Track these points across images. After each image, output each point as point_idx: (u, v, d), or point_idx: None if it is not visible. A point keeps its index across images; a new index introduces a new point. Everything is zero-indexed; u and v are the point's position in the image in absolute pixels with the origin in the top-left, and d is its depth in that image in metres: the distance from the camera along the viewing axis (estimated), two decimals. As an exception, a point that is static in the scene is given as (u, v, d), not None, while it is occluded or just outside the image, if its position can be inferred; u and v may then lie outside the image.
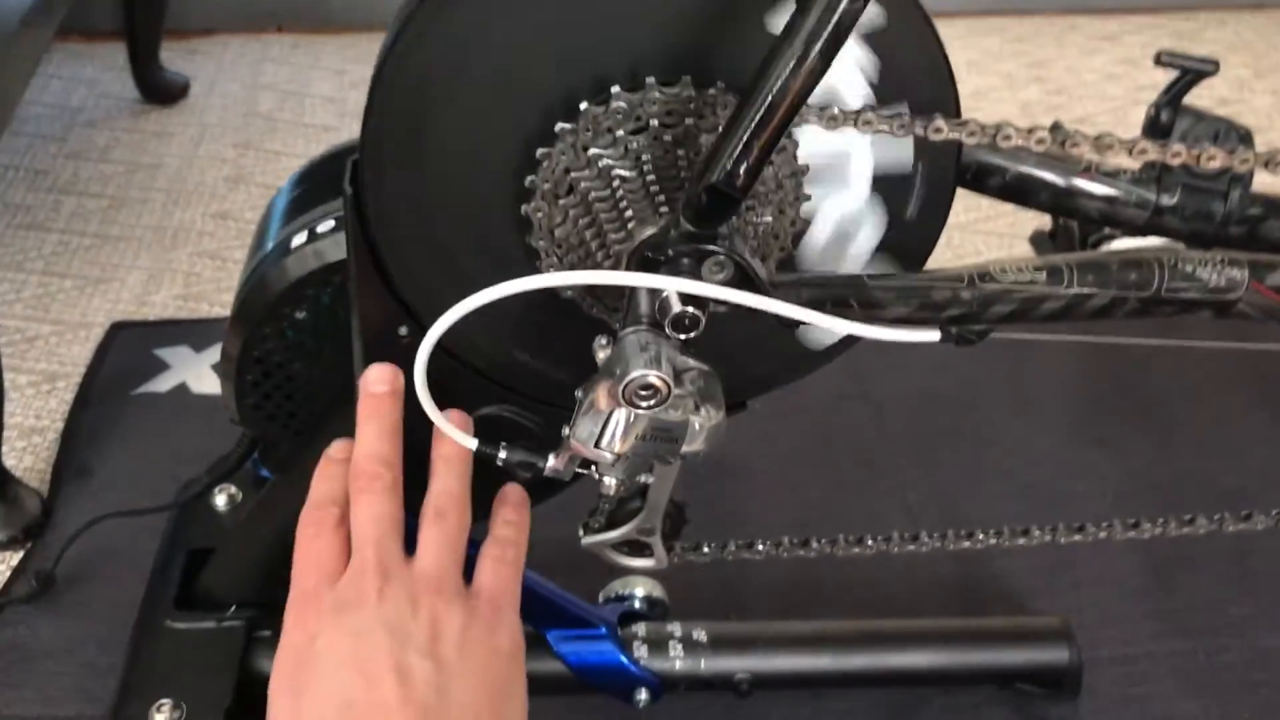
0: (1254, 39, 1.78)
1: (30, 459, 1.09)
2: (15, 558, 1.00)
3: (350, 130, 1.57)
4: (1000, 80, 1.68)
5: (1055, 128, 0.72)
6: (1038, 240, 0.90)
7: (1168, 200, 0.68)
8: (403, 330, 0.66)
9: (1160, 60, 0.65)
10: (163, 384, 1.15)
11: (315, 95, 1.65)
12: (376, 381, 0.62)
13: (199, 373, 1.16)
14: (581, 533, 0.73)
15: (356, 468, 0.60)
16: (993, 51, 1.73)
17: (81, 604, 0.94)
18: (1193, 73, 0.65)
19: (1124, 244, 0.74)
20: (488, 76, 0.56)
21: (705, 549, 0.77)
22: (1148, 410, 1.18)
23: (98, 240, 1.38)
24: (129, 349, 1.20)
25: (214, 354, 1.18)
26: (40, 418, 1.14)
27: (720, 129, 0.55)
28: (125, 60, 1.62)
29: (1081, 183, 0.69)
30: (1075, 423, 1.18)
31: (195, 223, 1.40)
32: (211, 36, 1.78)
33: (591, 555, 0.75)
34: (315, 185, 0.77)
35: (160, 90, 1.62)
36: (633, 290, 0.55)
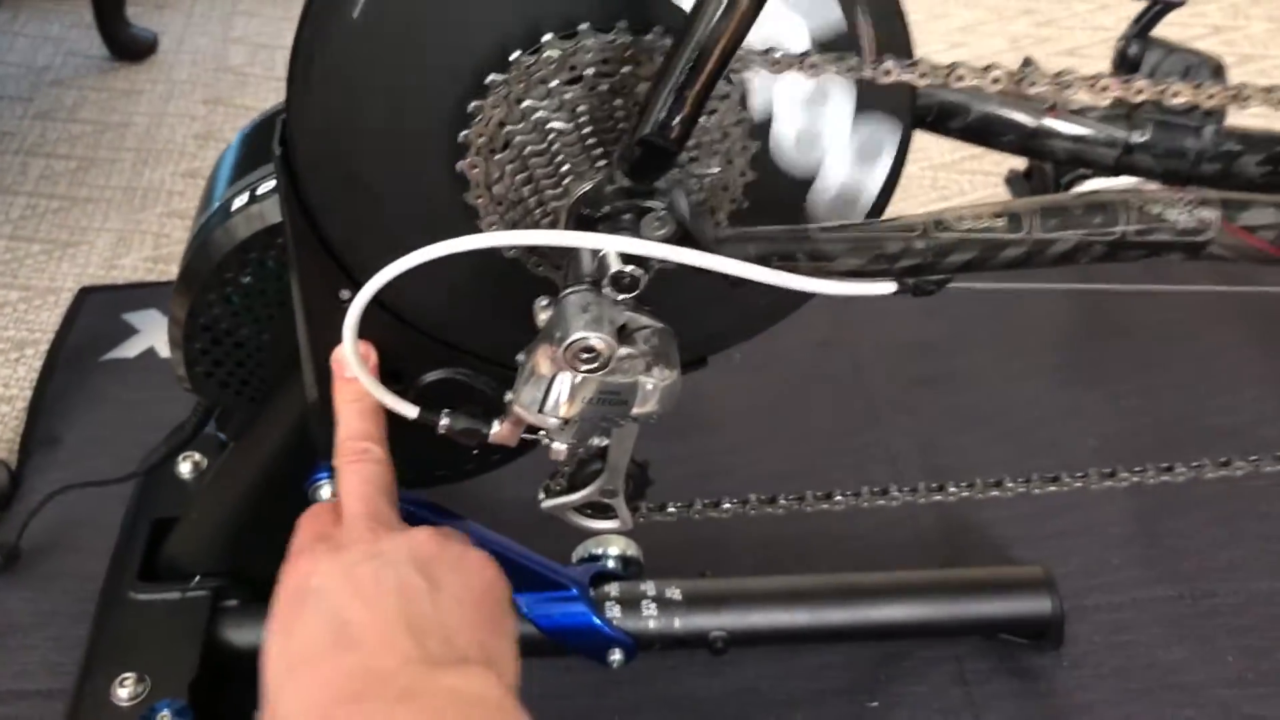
0: (1251, -37, 1.73)
1: (-1, 429, 1.08)
2: (-16, 531, 0.99)
3: (322, 83, 1.54)
4: (988, 13, 1.64)
5: (1026, 64, 0.69)
6: (1013, 181, 0.87)
7: (1139, 138, 0.65)
8: (344, 294, 0.64)
9: (1125, -11, 0.62)
10: (131, 349, 1.13)
11: (287, 47, 1.61)
12: (344, 364, 0.61)
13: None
14: (542, 496, 0.72)
15: (341, 448, 0.61)
16: (981, -17, 1.69)
17: (49, 576, 0.93)
18: (1161, 3, 0.62)
19: (1096, 184, 0.71)
20: (416, 25, 0.53)
21: (670, 509, 0.75)
22: (1135, 350, 1.16)
23: (66, 203, 1.35)
24: (97, 314, 1.18)
25: (183, 317, 1.16)
26: (8, 386, 1.12)
27: (657, 74, 0.52)
28: (92, 17, 1.58)
29: (1049, 122, 0.66)
30: (1061, 365, 1.15)
31: (165, 182, 1.38)
32: (180, -10, 1.74)
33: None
34: (259, 144, 0.74)
35: (128, 47, 1.59)
36: (573, 249, 0.53)
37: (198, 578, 0.82)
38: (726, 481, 0.93)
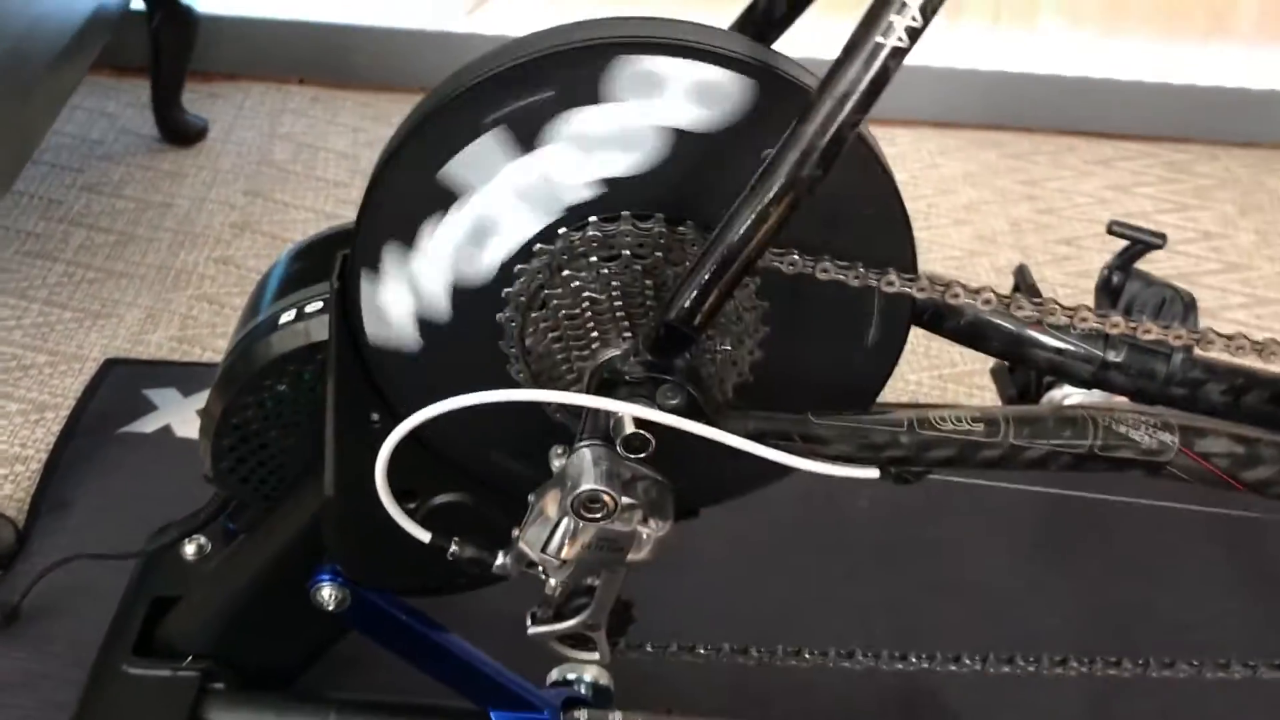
0: (1244, 175, 1.83)
1: (10, 487, 1.12)
2: (-15, 585, 1.02)
3: (360, 188, 1.61)
4: (993, 194, 1.73)
5: (1020, 272, 0.76)
6: (998, 372, 0.93)
7: (1114, 357, 0.72)
8: (374, 416, 0.69)
9: (1111, 230, 0.69)
10: (148, 425, 1.18)
11: (330, 150, 1.70)
12: None
13: (185, 417, 1.19)
14: (529, 622, 0.76)
15: None
16: (989, 165, 1.78)
17: (44, 639, 0.96)
18: (1142, 244, 0.69)
19: (1069, 392, 0.77)
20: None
21: (648, 648, 0.79)
22: (1108, 532, 1.21)
23: (102, 274, 1.42)
24: (120, 386, 1.23)
25: (202, 399, 1.20)
26: (25, 446, 1.17)
27: (687, 265, 0.58)
28: (148, 98, 1.67)
29: (1033, 334, 0.72)
30: (1034, 538, 1.20)
31: (198, 266, 1.44)
32: (234, 81, 1.83)
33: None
34: (309, 264, 0.81)
35: (179, 131, 1.67)
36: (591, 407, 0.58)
37: (190, 658, 0.86)
38: (699, 621, 0.97)
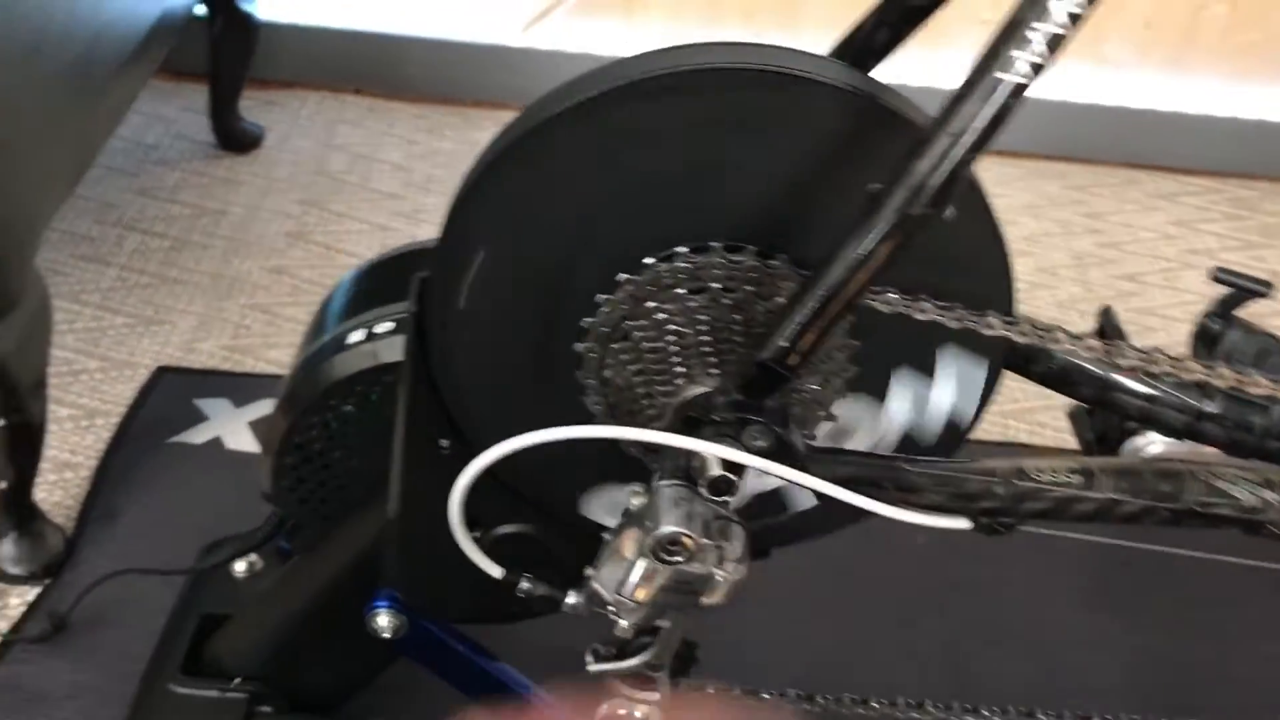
0: (1313, 214, 1.79)
1: (60, 494, 1.11)
2: (32, 593, 1.01)
3: (414, 200, 1.61)
4: (1056, 226, 1.70)
5: (1106, 315, 0.73)
6: (1077, 415, 0.90)
7: (1210, 408, 0.69)
8: (444, 442, 0.67)
9: (1217, 278, 0.66)
10: (199, 435, 1.17)
11: (384, 161, 1.69)
12: None
13: (235, 429, 1.18)
14: (590, 659, 0.74)
15: None
16: (1052, 197, 1.75)
17: (90, 651, 0.95)
18: (1247, 291, 0.66)
19: (1153, 439, 0.74)
20: (564, 222, 0.58)
21: (709, 690, 0.77)
22: (1170, 582, 1.17)
23: (155, 280, 1.41)
24: (170, 395, 1.22)
25: (253, 411, 1.20)
26: (75, 453, 1.16)
27: (779, 300, 0.56)
28: (206, 104, 1.66)
29: (1125, 380, 0.69)
30: (1094, 585, 1.17)
31: (251, 275, 1.43)
32: (291, 90, 1.83)
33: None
34: (377, 285, 0.79)
35: (235, 138, 1.66)
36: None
37: (238, 680, 0.84)
38: (755, 660, 0.94)
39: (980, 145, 0.49)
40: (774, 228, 0.58)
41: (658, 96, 0.55)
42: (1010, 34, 0.48)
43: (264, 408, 1.20)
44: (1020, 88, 0.48)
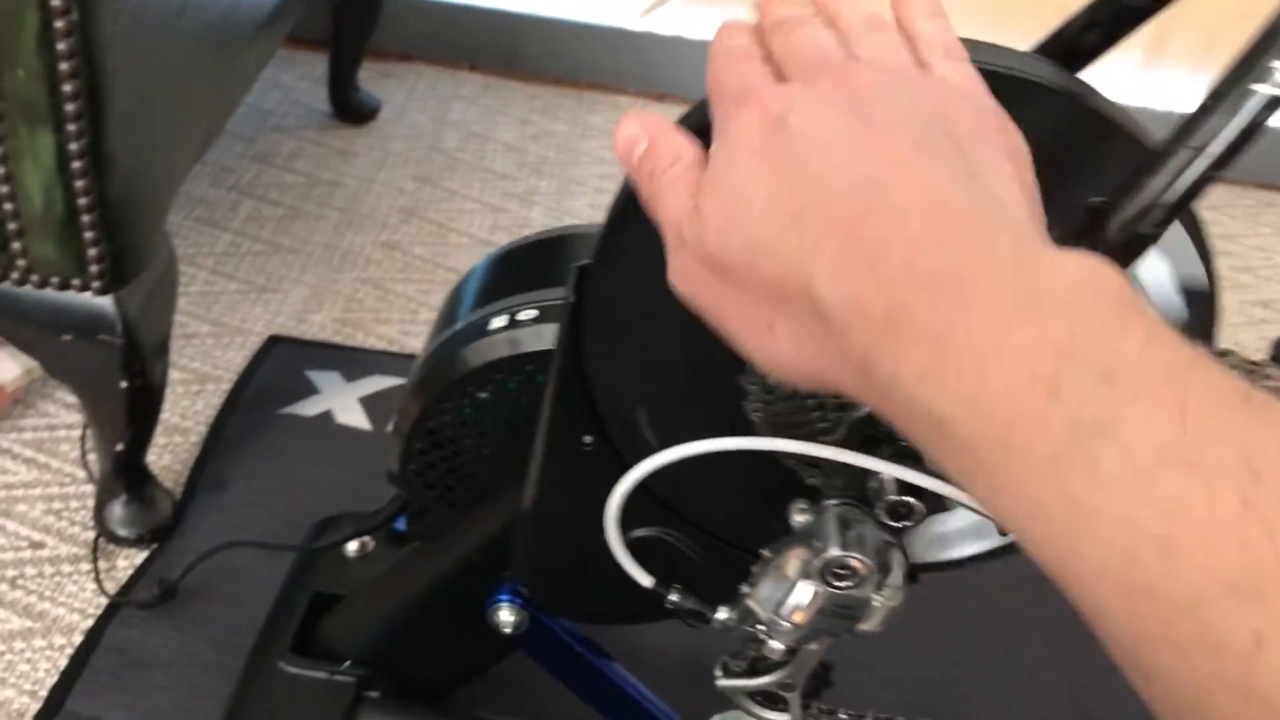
0: None
1: (169, 458, 1.11)
2: (139, 557, 1.01)
3: (526, 182, 1.59)
4: (1185, 247, 1.64)
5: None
6: None
7: None
8: (587, 439, 0.65)
9: None
10: (309, 408, 1.16)
11: (498, 141, 1.67)
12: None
13: (346, 403, 1.16)
14: (719, 674, 0.71)
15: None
16: (1180, 215, 1.69)
17: (197, 620, 0.94)
18: None
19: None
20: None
21: (841, 715, 0.74)
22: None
23: (268, 248, 1.40)
24: (281, 364, 1.21)
25: (364, 386, 1.19)
26: (185, 418, 1.15)
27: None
28: (323, 72, 1.66)
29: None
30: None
31: (364, 249, 1.42)
32: (408, 63, 1.82)
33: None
34: (519, 270, 0.77)
35: (352, 109, 1.66)
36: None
37: (348, 663, 0.82)
38: (870, 681, 0.91)
39: (1224, 163, 0.45)
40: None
41: None
42: (1269, 43, 0.44)
43: (375, 384, 1.19)
44: (1276, 101, 0.44)
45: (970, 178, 0.35)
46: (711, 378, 0.59)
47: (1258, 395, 0.28)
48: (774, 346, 0.38)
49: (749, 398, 0.59)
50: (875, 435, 0.53)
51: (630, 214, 0.56)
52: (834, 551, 0.51)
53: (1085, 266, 0.32)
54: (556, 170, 1.63)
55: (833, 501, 0.53)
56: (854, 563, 0.51)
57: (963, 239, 0.32)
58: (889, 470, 0.50)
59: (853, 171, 0.34)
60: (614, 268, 0.58)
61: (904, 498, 0.51)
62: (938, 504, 0.52)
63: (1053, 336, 0.30)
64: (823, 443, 0.54)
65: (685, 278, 0.41)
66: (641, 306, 0.59)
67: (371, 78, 1.73)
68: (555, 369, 0.63)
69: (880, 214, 0.33)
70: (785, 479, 0.58)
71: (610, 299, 0.59)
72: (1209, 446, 0.27)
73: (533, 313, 0.71)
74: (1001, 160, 0.37)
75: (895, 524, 0.51)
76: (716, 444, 0.51)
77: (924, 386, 0.31)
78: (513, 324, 0.71)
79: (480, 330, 0.72)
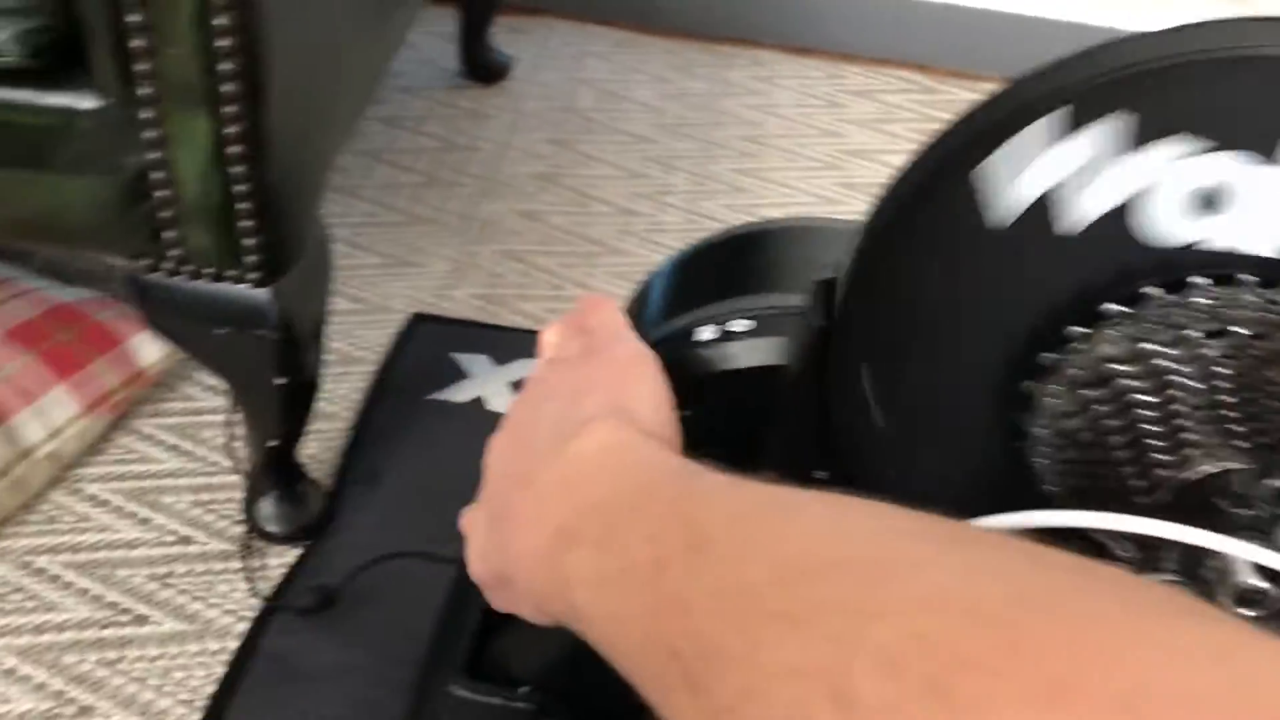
0: None
1: (316, 446, 1.06)
2: (291, 554, 0.96)
3: (666, 145, 1.50)
4: None
5: None
6: None
7: None
8: (820, 474, 0.57)
9: None
10: (459, 394, 1.10)
11: (634, 100, 1.59)
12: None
13: (497, 389, 1.10)
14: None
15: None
16: None
17: (356, 627, 0.89)
18: None
19: None
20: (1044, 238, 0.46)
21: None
22: None
23: (405, 218, 1.34)
24: (427, 346, 1.15)
25: (513, 370, 1.13)
26: (331, 402, 1.10)
27: (1322, 353, 0.43)
28: (452, 29, 1.58)
29: None
30: None
31: (504, 219, 1.35)
32: (538, 18, 1.74)
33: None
34: (713, 276, 0.69)
35: (483, 67, 1.58)
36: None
37: (525, 688, 0.76)
38: None
39: None
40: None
41: (1221, 78, 0.42)
42: None
43: (525, 368, 1.12)
44: None
45: (557, 438, 0.46)
46: (981, 417, 0.51)
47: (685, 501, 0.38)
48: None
49: (1028, 441, 0.50)
50: (1213, 505, 0.44)
51: (912, 221, 0.48)
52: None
53: (591, 437, 0.45)
54: (697, 132, 1.54)
55: (1159, 578, 0.44)
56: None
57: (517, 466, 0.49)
58: (1243, 553, 0.41)
59: (504, 484, 0.51)
60: (874, 281, 0.50)
61: (1258, 584, 0.42)
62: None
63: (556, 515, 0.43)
64: (1139, 506, 0.46)
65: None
66: (899, 329, 0.51)
67: (499, 33, 1.65)
68: (791, 397, 0.55)
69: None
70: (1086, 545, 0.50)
71: (864, 319, 0.51)
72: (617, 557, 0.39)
73: (748, 323, 0.63)
74: (599, 384, 0.49)
75: (1244, 612, 0.43)
76: (1024, 519, 0.43)
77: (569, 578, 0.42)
78: (725, 336, 0.63)
79: (686, 338, 0.64)
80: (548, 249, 1.31)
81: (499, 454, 0.53)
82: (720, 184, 1.44)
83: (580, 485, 0.43)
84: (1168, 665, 0.24)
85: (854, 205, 1.39)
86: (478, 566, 0.53)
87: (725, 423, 0.64)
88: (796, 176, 1.46)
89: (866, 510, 0.35)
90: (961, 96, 1.62)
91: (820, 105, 1.60)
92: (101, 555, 0.95)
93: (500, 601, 0.55)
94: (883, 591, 0.29)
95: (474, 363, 1.13)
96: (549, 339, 0.59)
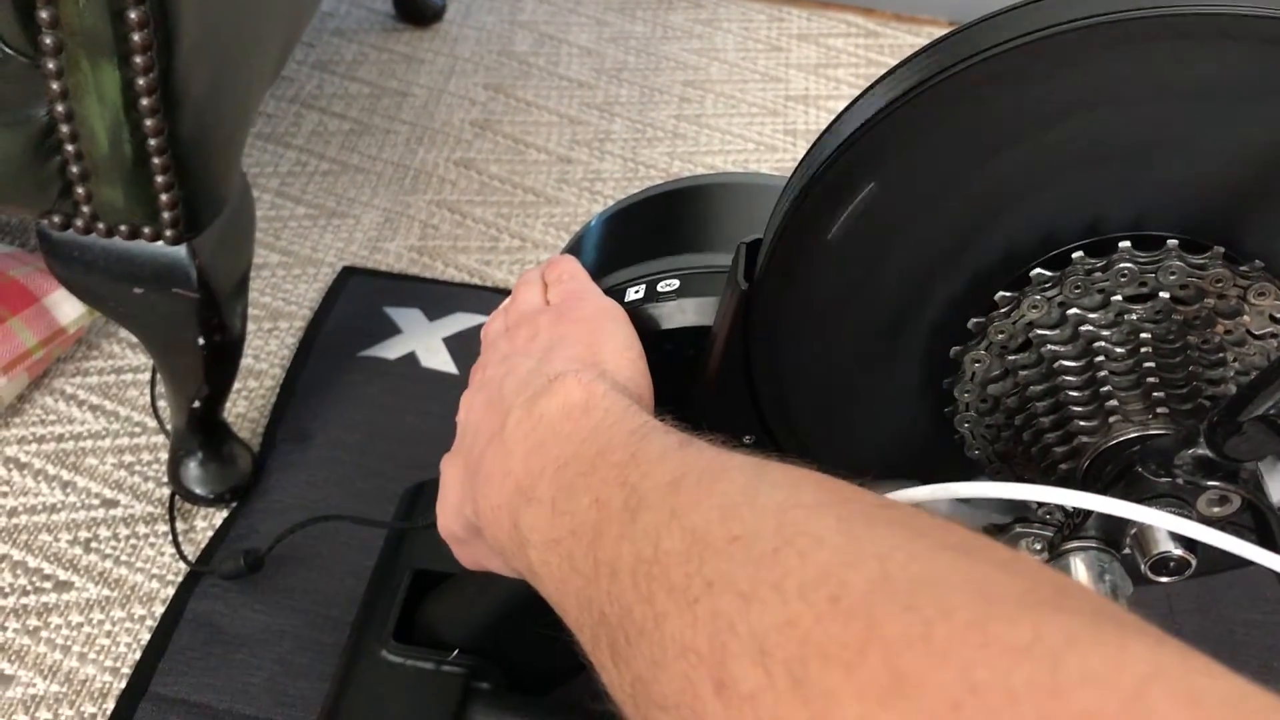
0: None
1: (244, 404, 1.03)
2: (218, 517, 0.94)
3: (605, 90, 1.47)
4: None
5: None
6: None
7: None
8: (747, 439, 0.56)
9: None
10: (391, 350, 1.07)
11: (572, 44, 1.55)
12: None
13: (430, 344, 1.08)
14: None
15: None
16: None
17: (284, 590, 0.88)
18: None
19: None
20: (966, 189, 0.45)
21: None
22: None
23: (336, 166, 1.31)
24: (358, 300, 1.13)
25: (448, 325, 1.11)
26: (259, 359, 1.07)
27: (1243, 320, 0.43)
28: (383, -30, 1.54)
29: None
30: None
31: (438, 167, 1.32)
32: (472, -42, 1.69)
33: None
34: (646, 231, 0.67)
35: (416, 10, 1.54)
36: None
37: (456, 651, 0.76)
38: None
39: None
40: (1248, 225, 0.44)
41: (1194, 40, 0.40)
42: None
43: (459, 322, 1.11)
44: None
45: (527, 393, 0.47)
46: (908, 381, 0.50)
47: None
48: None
49: (956, 406, 0.50)
50: (1136, 472, 0.43)
51: (837, 186, 0.46)
52: (1083, 610, 0.42)
53: (555, 395, 0.45)
54: (637, 77, 1.51)
55: (1077, 544, 0.44)
56: (1107, 622, 0.42)
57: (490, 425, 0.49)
58: (1180, 528, 0.41)
59: (479, 438, 0.49)
60: (801, 246, 0.48)
61: (1175, 550, 0.42)
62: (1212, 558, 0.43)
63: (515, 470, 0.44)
64: (1062, 473, 0.45)
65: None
66: (830, 293, 0.49)
67: (435, -26, 1.61)
68: (716, 360, 0.54)
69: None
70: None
71: (789, 282, 0.49)
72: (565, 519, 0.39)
73: (674, 283, 0.62)
74: (570, 340, 0.52)
75: (1159, 579, 0.43)
76: (972, 488, 0.42)
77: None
78: (651, 295, 0.61)
79: (619, 299, 0.63)
80: (484, 199, 1.29)
81: (472, 408, 0.53)
82: (660, 131, 1.42)
83: (542, 445, 0.43)
84: (997, 664, 0.25)
85: (796, 152, 1.37)
86: (450, 518, 0.53)
87: (658, 383, 0.63)
88: (738, 123, 1.44)
89: (780, 479, 0.35)
90: (905, 40, 1.61)
91: (762, 49, 1.57)
92: (22, 520, 0.92)
93: (468, 557, 0.55)
94: (770, 572, 0.30)
95: (407, 317, 1.11)
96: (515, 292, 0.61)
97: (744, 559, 0.31)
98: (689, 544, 0.33)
